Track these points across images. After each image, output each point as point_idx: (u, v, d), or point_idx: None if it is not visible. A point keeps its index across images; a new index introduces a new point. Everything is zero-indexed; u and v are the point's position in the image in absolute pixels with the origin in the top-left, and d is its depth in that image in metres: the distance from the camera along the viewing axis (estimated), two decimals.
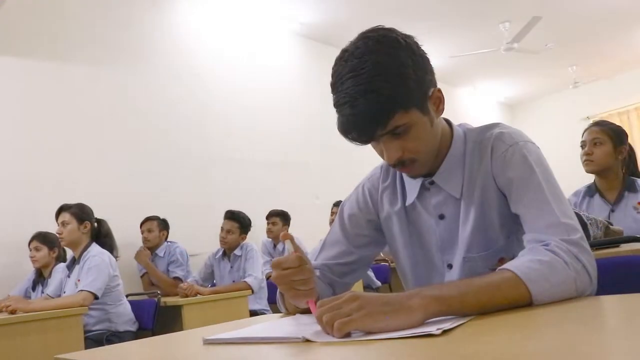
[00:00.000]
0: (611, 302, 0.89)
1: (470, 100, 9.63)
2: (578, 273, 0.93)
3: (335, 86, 1.05)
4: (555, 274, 0.91)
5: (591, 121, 2.64)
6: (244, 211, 4.29)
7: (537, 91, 10.32)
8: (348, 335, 0.80)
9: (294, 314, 1.20)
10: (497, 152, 1.13)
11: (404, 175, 1.25)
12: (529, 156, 1.10)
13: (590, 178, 2.66)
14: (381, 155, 1.13)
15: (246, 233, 4.24)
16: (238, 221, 4.18)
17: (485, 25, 6.90)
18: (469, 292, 0.86)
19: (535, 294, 0.88)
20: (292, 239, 1.06)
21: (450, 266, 1.20)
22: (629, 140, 2.63)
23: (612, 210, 2.49)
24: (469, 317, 0.85)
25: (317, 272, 1.25)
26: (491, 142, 1.15)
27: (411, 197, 1.23)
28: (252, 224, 4.31)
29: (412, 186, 1.23)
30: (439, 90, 1.12)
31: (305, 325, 0.98)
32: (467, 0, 6.25)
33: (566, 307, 0.87)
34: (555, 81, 9.66)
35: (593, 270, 0.96)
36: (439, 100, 1.13)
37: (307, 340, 0.82)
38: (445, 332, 0.74)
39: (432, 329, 0.75)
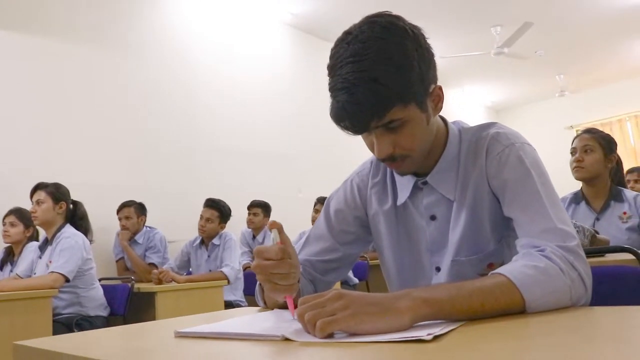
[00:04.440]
0: (606, 314, 0.85)
1: (457, 102, 9.63)
2: (573, 281, 0.89)
3: (334, 69, 0.99)
4: (550, 281, 0.86)
5: (575, 130, 2.65)
6: (224, 200, 4.22)
7: (523, 97, 10.37)
8: (331, 336, 0.75)
9: (272, 309, 1.15)
10: (493, 153, 1.09)
11: (395, 173, 1.20)
12: (525, 158, 1.06)
13: (571, 186, 2.65)
14: (371, 148, 1.08)
15: (225, 222, 4.18)
16: (218, 210, 4.11)
17: (477, 28, 6.89)
18: (460, 296, 0.82)
19: (529, 301, 0.84)
20: (280, 228, 0.99)
21: (438, 269, 1.16)
22: None
23: (597, 219, 2.48)
24: (459, 322, 0.80)
25: (300, 268, 1.20)
26: (487, 142, 1.10)
27: (403, 196, 1.18)
28: (231, 214, 4.24)
29: (404, 185, 1.18)
30: (440, 88, 1.08)
31: (284, 322, 0.93)
32: (461, 2, 6.23)
33: (560, 316, 0.82)
34: (542, 88, 9.72)
35: (588, 279, 0.92)
36: (439, 98, 1.08)
37: (287, 339, 0.77)
38: (435, 337, 0.70)
39: (422, 333, 0.70)
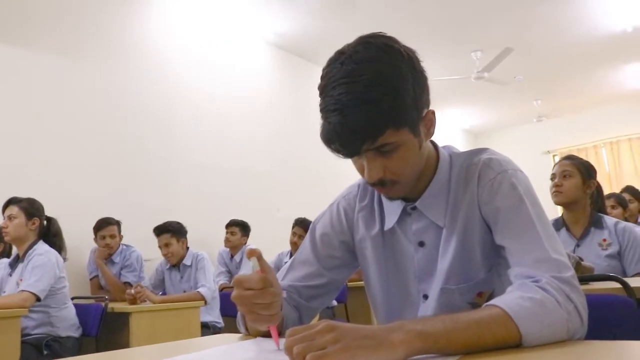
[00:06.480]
0: (605, 350, 0.82)
1: (436, 125, 9.69)
2: (570, 314, 0.86)
3: (326, 89, 0.96)
4: (547, 314, 0.84)
5: (551, 155, 2.69)
6: (203, 218, 4.14)
7: (501, 122, 10.50)
8: None
9: (255, 337, 1.10)
10: (485, 180, 1.06)
11: (383, 197, 1.18)
12: (518, 185, 1.04)
13: (549, 213, 2.66)
14: (360, 171, 1.05)
15: (184, 238, 4.02)
16: (169, 231, 3.95)
17: (458, 52, 6.96)
18: (456, 329, 0.79)
19: (526, 335, 0.81)
20: (259, 256, 0.96)
21: (425, 297, 1.12)
22: None
23: (578, 245, 2.49)
24: (455, 356, 0.77)
25: (284, 294, 1.16)
26: (478, 168, 1.08)
27: (390, 221, 1.15)
28: (186, 229, 4.06)
29: (392, 210, 1.15)
30: (433, 112, 1.06)
31: (269, 353, 0.89)
32: (442, 26, 6.30)
33: (557, 352, 0.80)
34: (520, 113, 9.86)
35: (584, 312, 0.89)
36: (431, 123, 1.07)
37: None
38: None
39: None
